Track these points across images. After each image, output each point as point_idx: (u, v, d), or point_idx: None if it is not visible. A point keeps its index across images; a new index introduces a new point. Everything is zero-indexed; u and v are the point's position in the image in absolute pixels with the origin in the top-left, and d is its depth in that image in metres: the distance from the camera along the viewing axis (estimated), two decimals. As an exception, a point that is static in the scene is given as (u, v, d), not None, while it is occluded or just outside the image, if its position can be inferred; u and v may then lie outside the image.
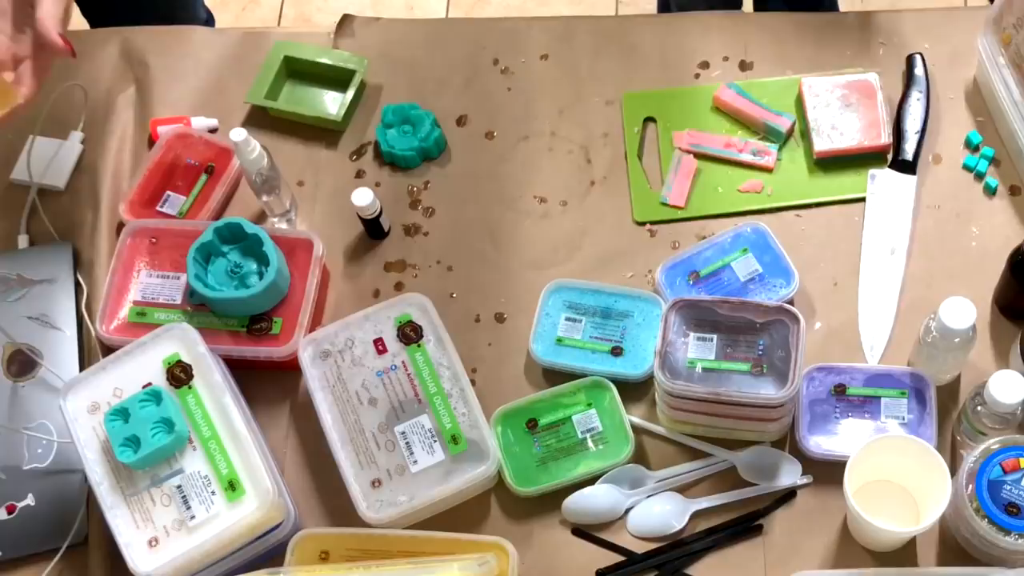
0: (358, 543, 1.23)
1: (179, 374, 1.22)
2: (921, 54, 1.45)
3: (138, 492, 1.18)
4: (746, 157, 1.43)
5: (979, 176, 1.40)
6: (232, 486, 1.17)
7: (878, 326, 1.33)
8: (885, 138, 1.41)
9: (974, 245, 1.37)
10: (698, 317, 1.24)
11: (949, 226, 1.38)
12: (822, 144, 1.41)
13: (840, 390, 1.28)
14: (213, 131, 1.50)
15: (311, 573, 1.18)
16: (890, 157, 1.41)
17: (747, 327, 1.23)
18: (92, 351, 1.36)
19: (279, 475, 1.25)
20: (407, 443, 1.25)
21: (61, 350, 1.36)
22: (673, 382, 1.20)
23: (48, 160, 1.48)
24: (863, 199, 1.40)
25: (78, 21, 1.80)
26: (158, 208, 1.43)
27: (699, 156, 1.44)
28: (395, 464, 1.24)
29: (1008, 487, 1.14)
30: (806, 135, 1.43)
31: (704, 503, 1.26)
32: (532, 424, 1.29)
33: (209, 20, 1.99)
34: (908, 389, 1.27)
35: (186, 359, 1.22)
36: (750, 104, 1.44)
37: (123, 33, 1.57)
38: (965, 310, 1.18)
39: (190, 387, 1.21)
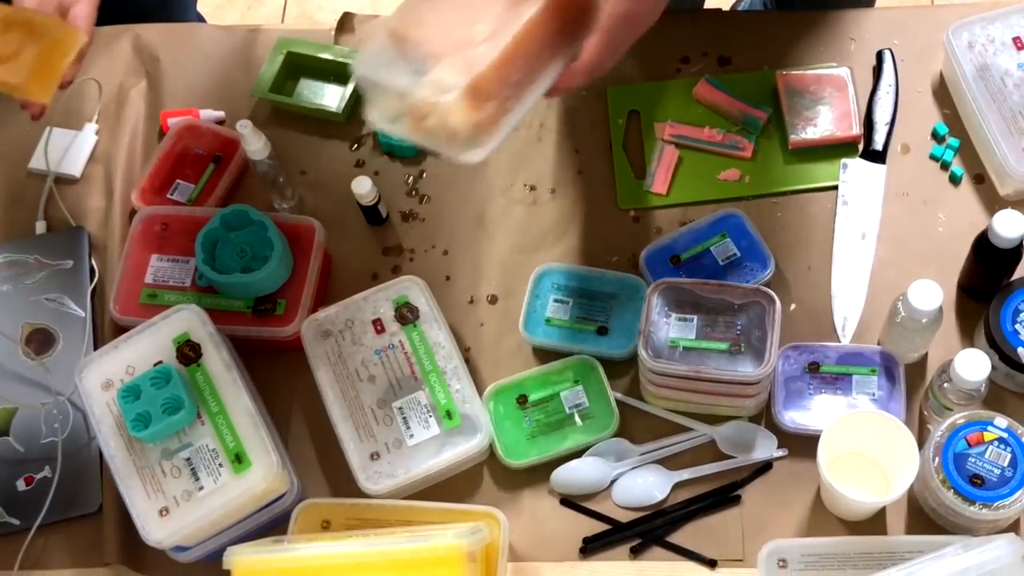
0: (358, 512, 1.22)
1: (188, 352, 1.21)
2: (890, 50, 1.44)
3: (149, 464, 1.17)
4: (725, 147, 1.41)
5: (945, 165, 1.39)
6: (238, 459, 1.16)
7: (850, 307, 1.32)
8: (856, 129, 1.39)
9: (940, 230, 1.36)
10: (679, 299, 1.23)
11: (917, 212, 1.37)
12: (797, 135, 1.40)
13: (814, 368, 1.27)
14: (220, 123, 1.49)
15: (313, 541, 1.17)
16: (861, 147, 1.40)
17: (726, 308, 1.22)
18: (105, 331, 1.35)
19: (283, 448, 1.24)
20: (404, 418, 1.24)
21: (76, 330, 1.34)
22: (656, 360, 1.19)
23: (64, 150, 1.47)
24: (836, 187, 1.38)
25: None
26: (168, 196, 1.42)
27: (680, 146, 1.42)
28: (393, 438, 1.23)
29: (972, 460, 1.13)
30: (781, 127, 1.42)
31: (685, 475, 1.25)
32: (522, 400, 1.28)
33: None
34: (878, 367, 1.26)
35: (195, 338, 1.21)
36: (728, 97, 1.43)
37: (135, 30, 1.55)
38: (932, 292, 1.17)
39: (199, 365, 1.20)
